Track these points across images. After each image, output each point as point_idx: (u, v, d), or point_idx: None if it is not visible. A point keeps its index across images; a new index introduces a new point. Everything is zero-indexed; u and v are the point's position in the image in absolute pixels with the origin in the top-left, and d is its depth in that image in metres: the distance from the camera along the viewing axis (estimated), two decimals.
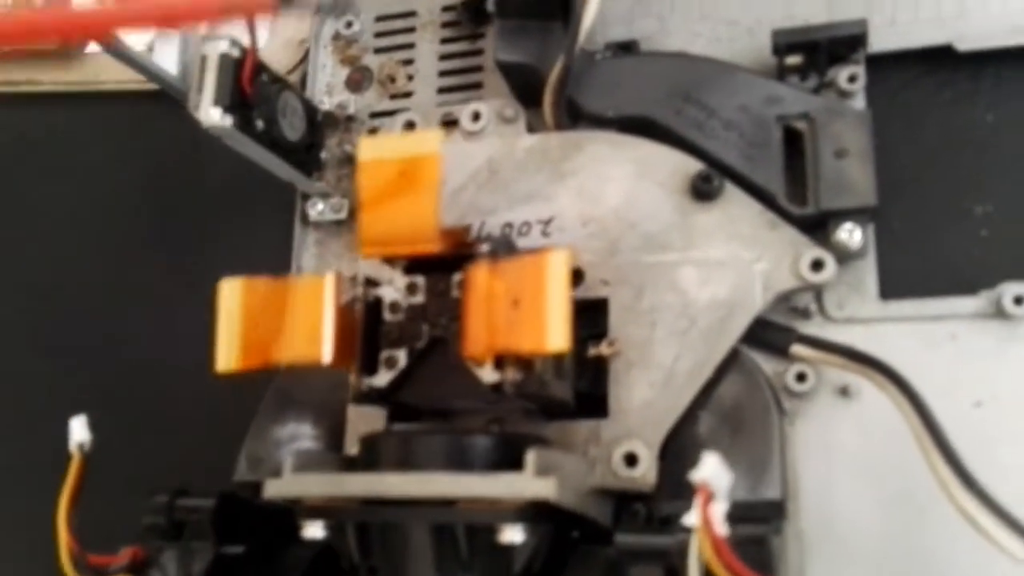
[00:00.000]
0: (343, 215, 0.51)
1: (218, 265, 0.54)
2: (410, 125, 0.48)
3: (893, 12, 0.45)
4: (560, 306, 0.32)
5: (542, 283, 0.32)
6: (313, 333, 0.35)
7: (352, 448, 0.42)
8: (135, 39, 0.56)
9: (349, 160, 0.51)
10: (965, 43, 0.43)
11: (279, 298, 0.36)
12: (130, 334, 0.56)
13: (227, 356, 0.35)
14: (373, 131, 0.52)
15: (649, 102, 0.44)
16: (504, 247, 0.38)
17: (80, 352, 0.57)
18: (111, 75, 0.60)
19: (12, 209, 0.62)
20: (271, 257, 0.53)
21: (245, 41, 0.45)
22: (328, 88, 0.54)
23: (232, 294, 0.36)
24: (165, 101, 0.56)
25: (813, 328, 0.42)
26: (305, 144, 0.50)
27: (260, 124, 0.46)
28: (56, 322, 0.58)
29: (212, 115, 0.43)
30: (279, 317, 0.36)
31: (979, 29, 0.44)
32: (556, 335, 0.32)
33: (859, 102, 0.43)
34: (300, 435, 0.45)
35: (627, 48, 0.48)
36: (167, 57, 0.56)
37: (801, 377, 0.41)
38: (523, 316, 0.32)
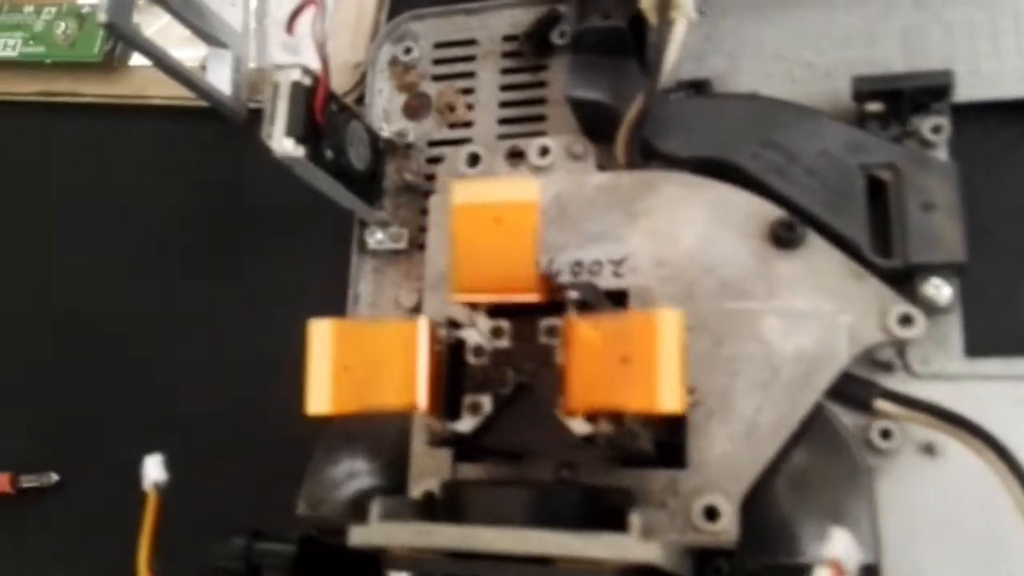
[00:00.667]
0: (402, 244, 0.50)
1: (267, 289, 0.54)
2: (474, 158, 0.47)
3: (977, 62, 0.44)
4: (674, 366, 0.31)
5: (654, 341, 0.31)
6: (407, 380, 0.34)
7: (416, 489, 0.41)
8: (187, 55, 0.55)
9: (408, 188, 0.51)
10: None
11: (369, 341, 0.35)
12: (181, 365, 0.55)
13: (319, 399, 0.34)
14: (432, 160, 0.51)
15: (726, 144, 0.43)
16: (592, 294, 0.37)
17: (128, 384, 0.56)
18: (157, 90, 0.59)
19: (50, 223, 0.61)
20: (322, 280, 0.52)
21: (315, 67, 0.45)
22: (385, 114, 0.53)
23: (322, 335, 0.35)
24: (213, 118, 0.55)
25: (896, 383, 0.41)
26: (370, 172, 0.49)
27: (329, 154, 0.45)
28: (96, 348, 0.57)
29: (286, 145, 0.43)
30: (370, 360, 0.35)
31: None
32: (669, 396, 0.31)
33: (942, 153, 0.43)
34: (357, 472, 0.44)
35: (700, 87, 0.47)
36: (220, 75, 0.55)
37: (886, 434, 0.40)
38: (634, 374, 0.31)
